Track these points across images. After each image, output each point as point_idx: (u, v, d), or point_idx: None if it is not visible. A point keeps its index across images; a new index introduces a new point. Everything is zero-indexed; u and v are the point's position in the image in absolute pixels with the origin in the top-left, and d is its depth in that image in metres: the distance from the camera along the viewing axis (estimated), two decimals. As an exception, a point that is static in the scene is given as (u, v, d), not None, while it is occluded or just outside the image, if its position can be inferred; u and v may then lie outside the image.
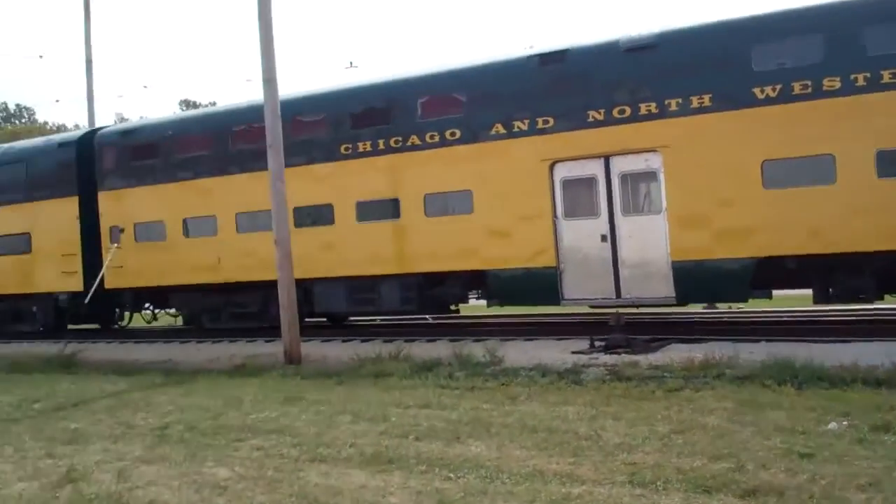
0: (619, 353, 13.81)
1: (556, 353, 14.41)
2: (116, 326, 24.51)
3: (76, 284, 23.04)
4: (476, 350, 14.42)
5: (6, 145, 28.99)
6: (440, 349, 15.61)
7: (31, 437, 10.50)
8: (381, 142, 17.99)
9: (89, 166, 23.16)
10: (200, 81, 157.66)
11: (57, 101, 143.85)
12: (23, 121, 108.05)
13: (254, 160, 19.59)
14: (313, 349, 17.55)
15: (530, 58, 17.37)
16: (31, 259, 23.65)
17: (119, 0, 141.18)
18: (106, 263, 20.96)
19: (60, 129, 79.78)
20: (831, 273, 15.13)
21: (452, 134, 17.41)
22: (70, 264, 22.84)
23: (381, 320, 23.39)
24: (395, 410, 10.70)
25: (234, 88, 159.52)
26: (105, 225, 23.14)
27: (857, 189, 14.14)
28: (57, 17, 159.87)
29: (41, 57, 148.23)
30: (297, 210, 19.01)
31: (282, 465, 8.25)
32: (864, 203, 13.93)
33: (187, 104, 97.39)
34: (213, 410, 11.64)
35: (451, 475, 7.51)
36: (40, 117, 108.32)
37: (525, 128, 16.59)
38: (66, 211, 22.97)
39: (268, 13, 16.20)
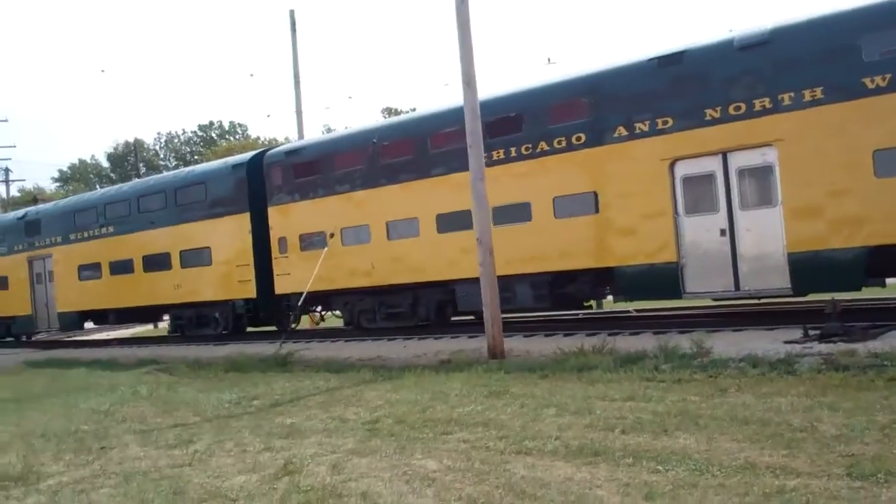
0: (834, 342, 12.87)
1: (767, 343, 13.52)
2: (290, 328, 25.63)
3: (250, 291, 24.89)
4: (682, 342, 13.79)
5: (189, 168, 32.21)
6: (645, 342, 15.06)
7: (251, 433, 10.50)
8: (512, 149, 18.77)
9: (259, 184, 24.65)
10: (401, 88, 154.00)
11: (268, 116, 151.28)
12: (237, 137, 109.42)
13: (400, 173, 21.23)
14: (516, 344, 17.17)
15: (650, 60, 17.29)
16: (212, 270, 25.77)
17: (324, 15, 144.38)
18: (315, 272, 21.34)
19: (272, 142, 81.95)
20: None
21: (577, 138, 17.59)
22: (244, 274, 24.86)
23: (584, 314, 22.16)
24: (600, 403, 10.22)
25: (433, 93, 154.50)
26: (275, 237, 24.53)
27: None
28: (265, 36, 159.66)
29: (252, 75, 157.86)
30: (439, 216, 20.26)
31: (488, 458, 7.97)
32: None
33: (389, 111, 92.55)
34: (421, 404, 11.41)
35: (660, 468, 7.09)
36: (253, 132, 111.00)
37: (646, 129, 16.75)
38: (239, 226, 24.65)
39: (465, 15, 16.12)
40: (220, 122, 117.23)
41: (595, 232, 17.72)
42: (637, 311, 21.64)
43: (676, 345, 13.61)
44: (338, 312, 24.47)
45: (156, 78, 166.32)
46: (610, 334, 16.65)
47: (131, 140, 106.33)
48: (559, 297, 19.31)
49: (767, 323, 16.21)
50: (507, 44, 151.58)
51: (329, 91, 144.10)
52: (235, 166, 26.12)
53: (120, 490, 8.03)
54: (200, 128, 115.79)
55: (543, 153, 18.44)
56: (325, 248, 22.43)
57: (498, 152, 19.18)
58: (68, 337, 34.71)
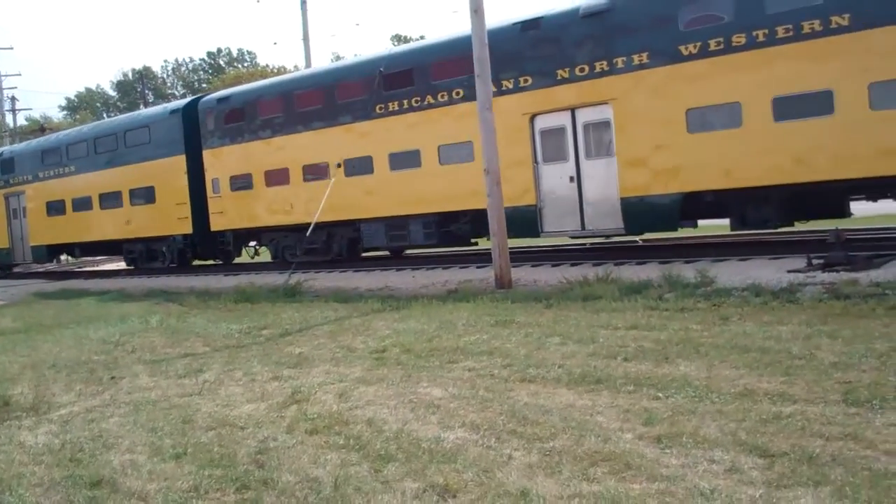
0: (837, 271, 12.41)
1: (771, 272, 12.89)
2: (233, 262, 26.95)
3: (187, 228, 25.52)
4: (686, 272, 13.12)
5: (135, 113, 33.13)
6: (650, 271, 14.25)
7: (259, 362, 9.85)
8: (405, 101, 19.97)
9: (195, 129, 25.29)
10: (410, 15, 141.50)
11: (275, 43, 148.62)
12: (245, 65, 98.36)
13: (314, 120, 22.00)
14: (523, 274, 16.26)
15: (514, 24, 18.28)
16: (156, 208, 26.41)
17: None
18: (321, 204, 20.84)
19: (280, 70, 70.24)
20: (744, 205, 15.79)
21: (457, 93, 18.88)
22: (182, 212, 25.56)
23: (591, 244, 20.81)
24: (604, 332, 9.65)
25: (442, 20, 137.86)
26: (209, 178, 24.96)
27: (759, 133, 14.82)
28: None
29: (258, 1, 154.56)
30: (347, 161, 21.30)
31: (492, 385, 7.56)
32: (765, 145, 14.73)
33: (398, 39, 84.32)
34: (428, 334, 10.72)
35: (660, 394, 6.71)
36: (261, 60, 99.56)
37: (511, 86, 18.05)
38: (176, 167, 25.62)
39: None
40: (229, 49, 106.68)
41: (473, 177, 18.26)
42: (644, 240, 20.14)
43: (681, 274, 12.89)
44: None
45: (164, 3, 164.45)
46: (616, 264, 15.80)
47: (139, 68, 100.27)
48: (445, 235, 20.21)
49: (773, 252, 15.33)
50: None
51: (337, 18, 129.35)
52: (173, 111, 26.63)
53: (129, 419, 7.52)
54: (209, 55, 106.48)
55: (430, 106, 19.54)
56: (329, 181, 21.62)
57: (393, 104, 20.20)
58: (78, 267, 33.13)
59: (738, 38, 14.99)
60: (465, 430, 6.30)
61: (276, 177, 23.33)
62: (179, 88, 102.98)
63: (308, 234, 20.74)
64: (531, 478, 5.14)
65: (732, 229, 17.02)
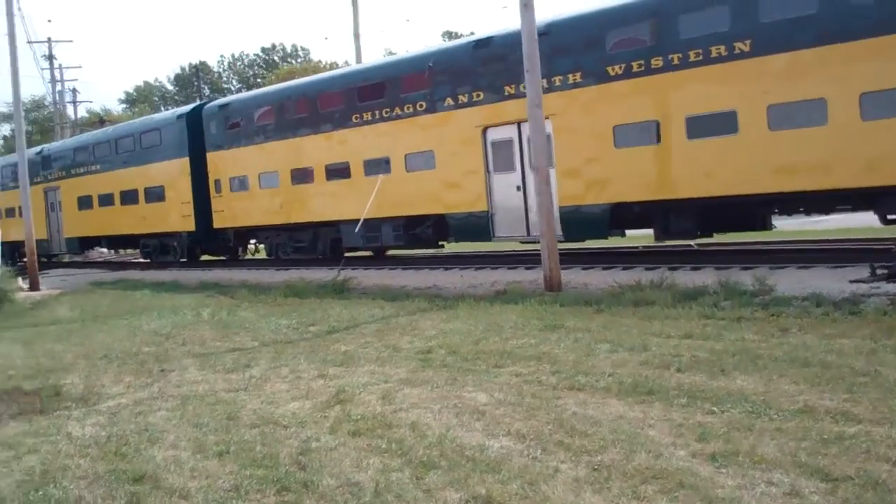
0: None
1: (832, 281, 11.62)
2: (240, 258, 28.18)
3: (191, 225, 26.21)
4: (744, 278, 11.87)
5: (150, 116, 33.98)
6: (705, 277, 12.91)
7: (306, 359, 9.23)
8: (377, 112, 20.93)
9: (200, 133, 25.81)
10: (460, 11, 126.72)
11: (325, 38, 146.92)
12: (299, 60, 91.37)
13: (300, 127, 22.98)
14: (573, 276, 14.92)
15: (469, 43, 18.84)
16: (166, 206, 27.05)
17: None
18: (370, 201, 20.77)
19: (332, 66, 62.69)
20: (666, 215, 15.86)
21: (420, 105, 19.64)
22: (186, 210, 26.37)
23: (643, 247, 19.41)
24: (656, 340, 8.74)
25: (493, 16, 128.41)
26: (212, 179, 25.45)
27: (676, 148, 15.13)
28: None
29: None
30: (328, 166, 22.42)
31: (539, 392, 6.92)
32: (681, 159, 15.09)
33: (449, 35, 77.49)
34: (475, 336, 9.87)
35: (714, 409, 6.04)
36: (314, 56, 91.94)
37: (466, 100, 18.68)
38: (182, 168, 26.51)
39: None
40: (283, 45, 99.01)
41: (434, 184, 19.11)
42: (699, 244, 18.25)
43: (738, 281, 11.57)
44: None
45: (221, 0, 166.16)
46: (670, 268, 14.32)
47: (196, 63, 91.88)
48: (412, 238, 20.40)
49: (835, 261, 13.96)
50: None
51: (388, 14, 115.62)
52: (179, 116, 27.01)
53: (176, 413, 7.05)
54: (263, 51, 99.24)
55: (398, 116, 19.89)
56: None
57: (366, 114, 20.54)
58: (134, 258, 32.63)
59: (657, 61, 15.69)
60: (511, 438, 5.63)
61: (268, 179, 23.89)
62: (235, 83, 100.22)
63: (357, 228, 21.33)
64: (578, 493, 4.46)
65: (656, 239, 16.93)
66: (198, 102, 30.29)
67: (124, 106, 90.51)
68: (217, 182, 25.72)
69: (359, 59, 29.41)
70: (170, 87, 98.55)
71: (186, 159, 26.58)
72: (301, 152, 22.85)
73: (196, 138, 26.31)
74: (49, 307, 17.82)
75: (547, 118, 16.51)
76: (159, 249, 29.02)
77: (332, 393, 7.51)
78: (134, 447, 6.26)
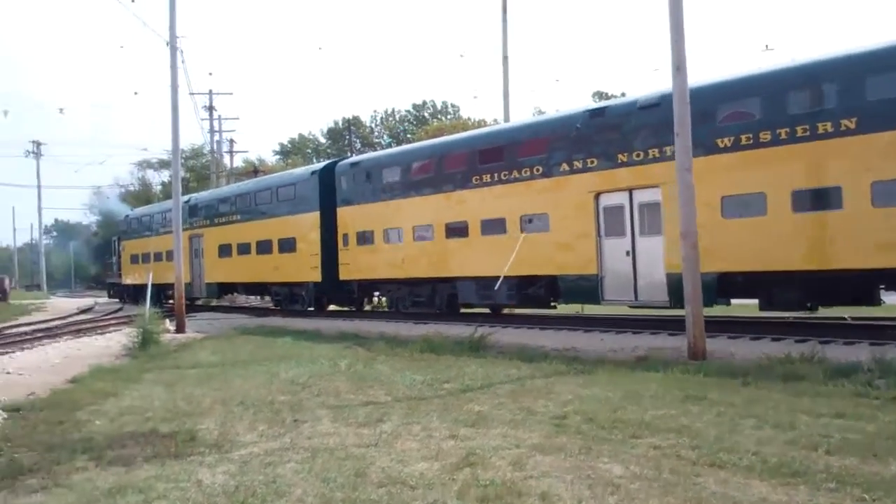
0: None
1: None
2: (367, 309, 30.43)
3: (317, 276, 28.01)
4: None
5: (287, 172, 37.22)
6: (859, 352, 12.48)
7: (438, 417, 9.28)
8: (495, 175, 22.43)
9: (331, 189, 27.79)
10: (610, 72, 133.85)
11: (475, 97, 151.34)
12: (448, 117, 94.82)
13: (423, 187, 24.56)
14: (719, 345, 14.65)
15: (584, 112, 19.88)
16: (296, 256, 29.09)
17: None
18: (511, 258, 21.23)
19: (480, 124, 65.42)
20: (771, 286, 16.24)
21: (537, 170, 20.87)
22: (314, 262, 28.26)
23: (794, 318, 18.77)
24: (805, 418, 8.48)
25: (644, 77, 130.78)
26: (340, 233, 27.28)
27: (781, 221, 15.58)
28: (475, 17, 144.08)
29: (462, 56, 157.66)
30: (447, 225, 24.05)
31: (678, 468, 6.80)
32: (785, 232, 15.47)
33: (600, 96, 75.79)
34: (612, 403, 9.71)
35: (866, 496, 5.88)
36: (464, 113, 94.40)
37: (580, 166, 19.71)
38: (312, 221, 28.43)
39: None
40: (433, 101, 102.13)
41: (547, 246, 20.19)
42: (853, 318, 18.17)
43: (895, 358, 11.27)
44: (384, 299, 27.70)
45: (372, 57, 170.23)
46: (821, 342, 13.83)
47: (349, 117, 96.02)
48: (525, 297, 21.32)
49: None
50: (722, 28, 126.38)
51: (537, 73, 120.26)
52: (313, 172, 29.17)
53: (305, 466, 7.24)
54: (414, 107, 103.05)
55: (515, 179, 21.06)
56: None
57: (485, 176, 21.99)
58: (277, 307, 35.35)
59: (765, 135, 16.44)
60: (646, 517, 5.32)
61: (392, 235, 25.47)
62: (385, 138, 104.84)
63: (497, 286, 21.95)
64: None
65: (760, 309, 17.19)
66: (330, 160, 33.34)
67: (278, 157, 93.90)
68: (345, 236, 27.49)
69: (507, 118, 29.98)
70: (322, 140, 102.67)
71: (317, 213, 28.50)
72: (422, 210, 24.17)
73: (327, 194, 28.25)
74: (192, 350, 18.48)
75: (657, 186, 18.01)
76: (288, 298, 31.03)
77: (462, 455, 7.49)
78: (261, 499, 6.40)
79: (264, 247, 31.55)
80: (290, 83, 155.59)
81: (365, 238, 26.64)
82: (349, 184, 27.61)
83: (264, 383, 12.54)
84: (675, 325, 16.89)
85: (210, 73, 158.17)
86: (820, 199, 15.14)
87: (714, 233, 16.52)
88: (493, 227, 21.80)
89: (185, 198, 38.29)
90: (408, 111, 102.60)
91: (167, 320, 25.60)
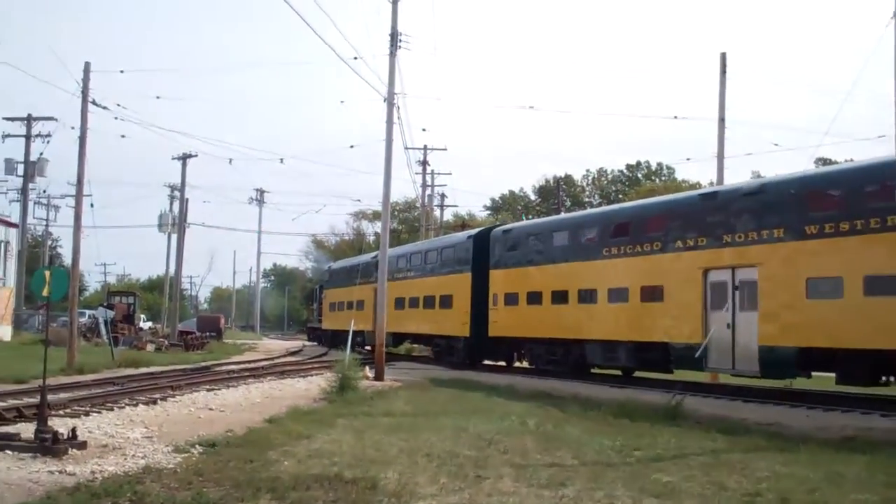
0: None
1: None
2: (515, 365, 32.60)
3: (466, 332, 31.56)
4: None
5: (449, 236, 42.21)
6: None
7: (623, 485, 9.10)
8: (622, 248, 25.56)
9: (484, 252, 31.27)
10: (835, 139, 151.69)
11: (688, 159, 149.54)
12: (662, 178, 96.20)
13: (565, 255, 27.48)
14: None
15: (697, 195, 23.40)
16: (450, 313, 33.43)
17: (754, 58, 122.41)
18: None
19: (694, 186, 65.55)
20: (845, 362, 17.82)
21: (656, 245, 23.32)
22: (463, 318, 31.72)
23: None
24: None
25: (867, 146, 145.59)
26: (491, 292, 30.45)
27: (854, 303, 17.44)
28: (691, 80, 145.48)
29: (675, 117, 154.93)
30: (580, 290, 27.13)
31: None
32: (858, 312, 17.31)
33: (822, 161, 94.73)
34: (810, 484, 9.32)
35: None
36: (679, 175, 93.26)
37: (692, 244, 21.89)
38: (464, 281, 32.41)
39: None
40: (648, 162, 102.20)
41: (661, 315, 22.53)
42: None
43: None
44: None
45: (585, 116, 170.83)
46: None
47: (560, 175, 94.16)
48: (642, 361, 23.97)
49: None
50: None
51: (755, 137, 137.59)
52: (469, 237, 33.18)
53: None
54: (628, 167, 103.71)
55: (637, 254, 23.62)
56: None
57: (614, 248, 24.63)
58: (435, 358, 36.43)
59: (844, 225, 18.18)
60: None
61: (533, 297, 28.12)
62: (596, 197, 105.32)
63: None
64: None
65: (836, 383, 18.99)
66: (482, 227, 38.40)
67: (488, 213, 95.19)
68: (495, 296, 30.60)
69: (720, 181, 30.08)
70: (532, 197, 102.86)
71: (469, 274, 32.10)
72: (560, 276, 26.89)
73: (480, 256, 31.80)
74: (387, 399, 18.94)
75: (753, 266, 20.61)
76: (446, 350, 34.32)
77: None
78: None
79: (429, 302, 35.35)
80: (502, 140, 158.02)
81: (511, 299, 29.54)
82: (500, 249, 30.83)
83: (452, 436, 12.55)
84: (891, 406, 16.97)
85: (424, 129, 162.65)
86: (889, 285, 17.50)
87: (798, 310, 19.31)
88: (617, 295, 24.29)
89: (373, 254, 43.73)
90: (621, 171, 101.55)
91: (367, 367, 26.72)
